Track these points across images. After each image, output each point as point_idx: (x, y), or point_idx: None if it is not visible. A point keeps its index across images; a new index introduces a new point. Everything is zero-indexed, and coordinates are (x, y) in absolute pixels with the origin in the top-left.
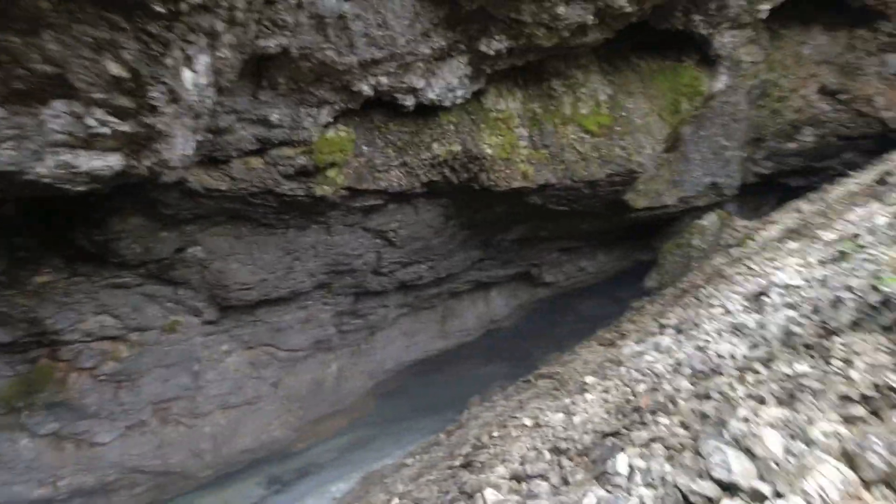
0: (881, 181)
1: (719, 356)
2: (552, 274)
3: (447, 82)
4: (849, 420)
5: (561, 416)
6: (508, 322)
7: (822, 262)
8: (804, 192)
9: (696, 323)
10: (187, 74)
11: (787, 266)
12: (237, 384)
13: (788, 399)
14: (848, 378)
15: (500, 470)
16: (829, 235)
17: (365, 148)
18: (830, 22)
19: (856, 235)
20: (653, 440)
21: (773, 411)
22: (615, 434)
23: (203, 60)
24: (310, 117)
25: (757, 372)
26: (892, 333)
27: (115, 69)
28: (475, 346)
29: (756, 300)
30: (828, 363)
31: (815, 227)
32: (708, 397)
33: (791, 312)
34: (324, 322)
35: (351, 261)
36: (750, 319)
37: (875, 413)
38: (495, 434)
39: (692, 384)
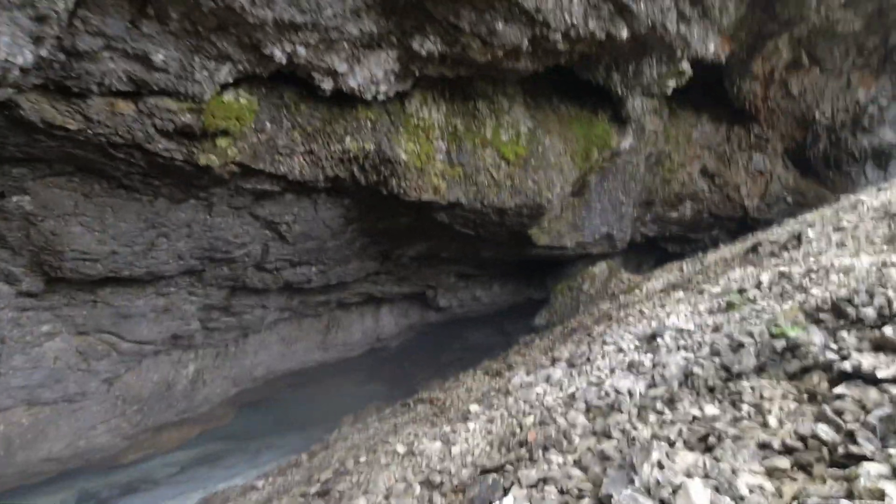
0: (754, 250)
1: (617, 392)
2: (447, 298)
3: (372, 73)
4: (772, 473)
5: (438, 444)
6: (395, 342)
7: (710, 311)
8: (679, 258)
9: (589, 359)
10: None
11: (677, 312)
12: (55, 376)
13: (700, 443)
14: (765, 425)
15: (360, 502)
16: (713, 289)
17: (268, 124)
18: (715, 114)
19: (742, 290)
20: (544, 480)
21: (688, 456)
22: (498, 469)
23: None
24: (205, 70)
25: (660, 412)
26: (798, 381)
27: None
28: (356, 363)
29: (650, 341)
30: (737, 408)
31: (697, 283)
32: (608, 435)
33: (688, 354)
34: (187, 314)
35: (232, 249)
36: (645, 358)
37: (800, 466)
38: (362, 459)
39: (588, 420)
